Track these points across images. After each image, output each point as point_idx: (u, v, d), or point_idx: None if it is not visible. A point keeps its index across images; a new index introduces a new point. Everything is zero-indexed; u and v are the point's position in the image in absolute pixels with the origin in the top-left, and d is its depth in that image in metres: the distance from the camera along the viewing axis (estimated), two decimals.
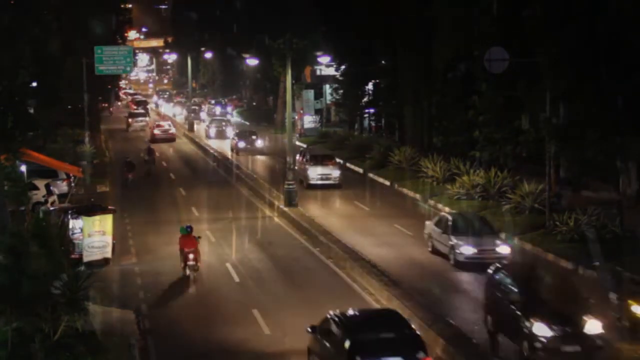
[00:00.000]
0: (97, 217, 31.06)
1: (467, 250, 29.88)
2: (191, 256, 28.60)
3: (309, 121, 74.86)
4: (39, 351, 19.58)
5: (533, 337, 20.52)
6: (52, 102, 51.73)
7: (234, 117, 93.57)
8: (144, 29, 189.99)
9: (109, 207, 33.97)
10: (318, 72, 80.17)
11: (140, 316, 24.70)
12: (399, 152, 50.44)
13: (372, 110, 68.48)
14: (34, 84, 44.29)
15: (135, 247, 33.81)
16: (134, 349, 21.66)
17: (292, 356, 22.02)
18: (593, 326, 20.62)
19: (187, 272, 28.62)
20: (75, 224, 31.18)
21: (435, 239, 31.97)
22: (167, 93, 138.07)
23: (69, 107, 62.44)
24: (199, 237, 29.65)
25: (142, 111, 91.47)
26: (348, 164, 55.96)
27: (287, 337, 23.16)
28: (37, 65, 41.68)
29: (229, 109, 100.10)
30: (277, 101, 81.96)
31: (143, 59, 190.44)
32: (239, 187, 47.91)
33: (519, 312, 21.11)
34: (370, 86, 66.48)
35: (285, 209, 39.72)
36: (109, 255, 30.94)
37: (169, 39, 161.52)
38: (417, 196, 43.67)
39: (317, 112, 78.41)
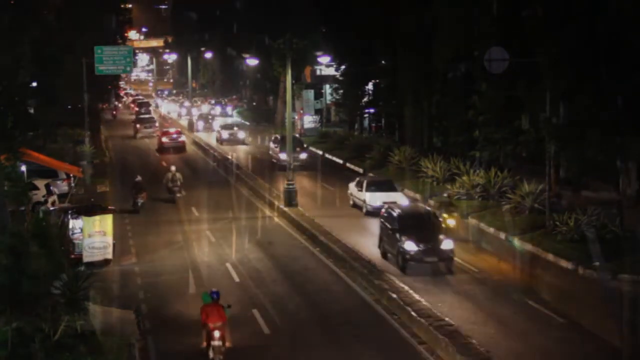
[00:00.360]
0: (97, 217, 31.06)
1: (375, 202, 38.27)
2: (217, 334, 20.94)
3: (309, 121, 74.89)
4: (39, 351, 19.58)
5: (405, 252, 29.40)
6: (52, 102, 51.75)
7: (234, 117, 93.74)
8: (144, 29, 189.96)
9: (109, 207, 33.98)
10: (318, 72, 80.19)
11: (140, 316, 24.70)
12: (399, 152, 50.41)
13: (372, 110, 68.48)
14: (34, 84, 44.30)
15: (135, 247, 33.81)
16: (134, 349, 21.66)
17: (292, 356, 22.04)
18: (446, 243, 29.72)
19: (211, 355, 21.02)
20: (75, 224, 31.18)
21: (354, 196, 41.38)
22: (166, 92, 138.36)
23: (69, 107, 62.49)
24: (229, 306, 21.86)
25: (151, 116, 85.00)
26: (348, 164, 55.98)
27: (287, 337, 23.17)
28: (37, 65, 41.68)
29: (228, 109, 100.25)
30: (277, 101, 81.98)
31: (143, 59, 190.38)
32: (239, 187, 47.92)
33: (396, 235, 30.06)
34: (370, 86, 66.46)
35: (285, 209, 39.75)
36: (109, 256, 30.94)
37: (169, 39, 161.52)
38: (417, 196, 43.67)
39: (317, 112, 78.43)
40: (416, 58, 52.47)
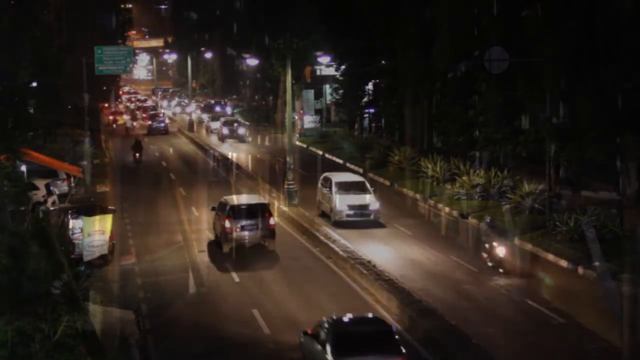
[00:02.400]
0: (97, 217, 31.04)
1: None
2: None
3: (309, 121, 74.82)
4: (39, 351, 19.56)
5: (220, 134, 73.32)
6: (52, 102, 51.81)
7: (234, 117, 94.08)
8: (144, 29, 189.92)
9: (109, 207, 33.98)
10: (318, 72, 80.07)
11: (140, 316, 24.69)
12: (399, 152, 50.38)
13: (372, 110, 68.46)
14: (34, 84, 44.33)
15: (135, 247, 33.80)
16: (134, 349, 21.66)
17: (292, 356, 22.04)
18: (241, 129, 72.21)
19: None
20: (75, 224, 31.16)
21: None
22: (161, 90, 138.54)
23: (69, 107, 62.57)
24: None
25: (258, 203, 34.45)
26: (348, 164, 55.97)
27: (287, 337, 23.17)
28: (37, 65, 41.71)
29: (228, 108, 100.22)
30: (277, 101, 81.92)
31: (143, 59, 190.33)
32: (239, 187, 47.86)
33: (216, 126, 75.92)
34: (370, 86, 66.44)
35: (285, 209, 39.74)
36: (105, 252, 30.82)
37: (169, 39, 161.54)
38: (417, 196, 43.68)
39: (317, 112, 78.39)
40: (416, 58, 52.46)
